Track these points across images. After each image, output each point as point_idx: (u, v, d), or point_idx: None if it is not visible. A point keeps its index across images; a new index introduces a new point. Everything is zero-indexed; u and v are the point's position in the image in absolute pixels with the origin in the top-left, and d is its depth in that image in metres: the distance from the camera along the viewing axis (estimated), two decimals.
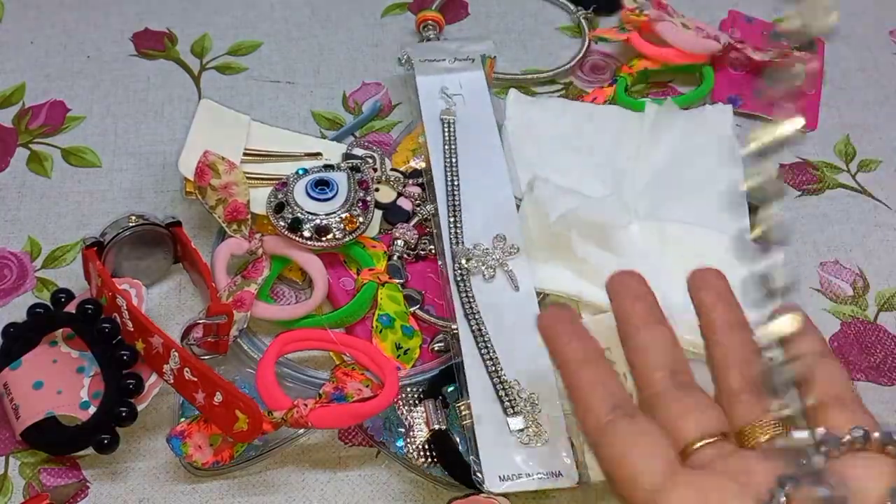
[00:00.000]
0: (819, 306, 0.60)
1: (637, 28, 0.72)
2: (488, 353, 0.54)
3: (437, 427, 0.51)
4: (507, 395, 0.52)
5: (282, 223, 0.57)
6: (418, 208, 0.62)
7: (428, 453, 0.51)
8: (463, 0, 0.78)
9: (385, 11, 0.77)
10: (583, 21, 0.76)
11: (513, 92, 0.69)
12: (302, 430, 0.52)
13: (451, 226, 0.59)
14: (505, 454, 0.50)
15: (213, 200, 0.58)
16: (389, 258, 0.59)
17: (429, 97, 0.66)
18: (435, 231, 0.60)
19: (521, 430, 0.51)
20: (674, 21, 0.71)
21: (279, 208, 0.58)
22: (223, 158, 0.58)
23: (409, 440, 0.52)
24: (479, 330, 0.55)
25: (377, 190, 0.62)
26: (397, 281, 0.58)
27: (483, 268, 0.57)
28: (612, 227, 0.58)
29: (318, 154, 0.63)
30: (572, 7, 0.77)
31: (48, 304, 0.56)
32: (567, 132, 0.66)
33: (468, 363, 0.53)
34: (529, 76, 0.72)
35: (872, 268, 0.63)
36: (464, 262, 0.57)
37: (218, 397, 0.49)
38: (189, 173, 0.59)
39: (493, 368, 0.53)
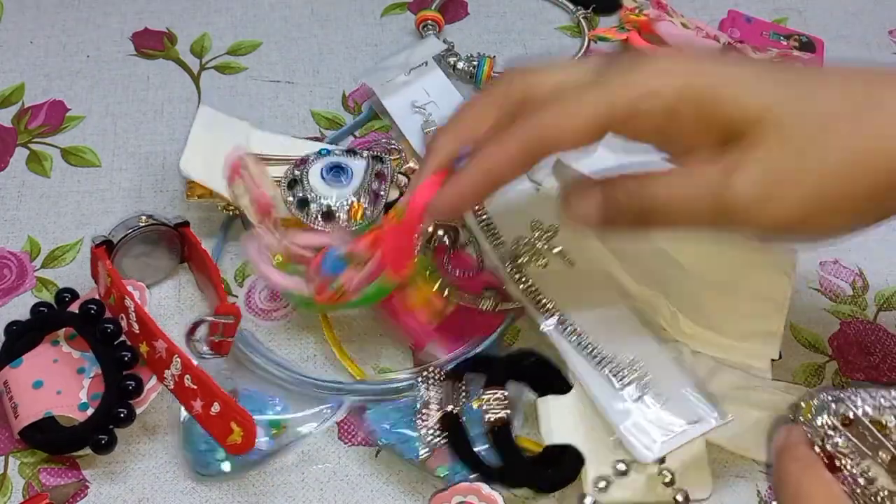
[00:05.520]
0: (819, 306, 0.60)
1: (636, 28, 0.72)
2: (580, 340, 0.54)
3: (450, 409, 0.52)
4: (612, 370, 0.53)
5: (290, 199, 0.57)
6: None
7: (438, 433, 0.51)
8: (463, 0, 0.78)
9: (385, 11, 0.77)
10: (582, 21, 0.76)
11: None
12: (302, 438, 0.53)
13: (486, 230, 0.59)
14: (637, 424, 0.51)
15: (243, 196, 0.57)
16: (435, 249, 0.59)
17: (403, 116, 0.66)
18: (471, 239, 0.61)
19: (641, 398, 0.52)
20: (673, 21, 0.71)
21: (292, 185, 0.58)
22: (252, 155, 0.58)
23: (421, 416, 0.52)
24: (564, 321, 0.55)
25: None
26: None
27: (534, 259, 0.57)
28: None
29: None
30: (572, 7, 0.77)
31: (52, 302, 0.56)
32: None
33: (568, 357, 0.54)
34: None
35: (872, 267, 0.63)
36: (515, 261, 0.57)
37: (215, 407, 0.49)
38: (192, 173, 0.59)
39: (591, 351, 0.54)
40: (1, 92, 0.70)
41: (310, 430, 0.53)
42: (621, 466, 0.51)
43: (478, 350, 0.56)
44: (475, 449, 0.51)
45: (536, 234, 0.58)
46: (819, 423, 0.43)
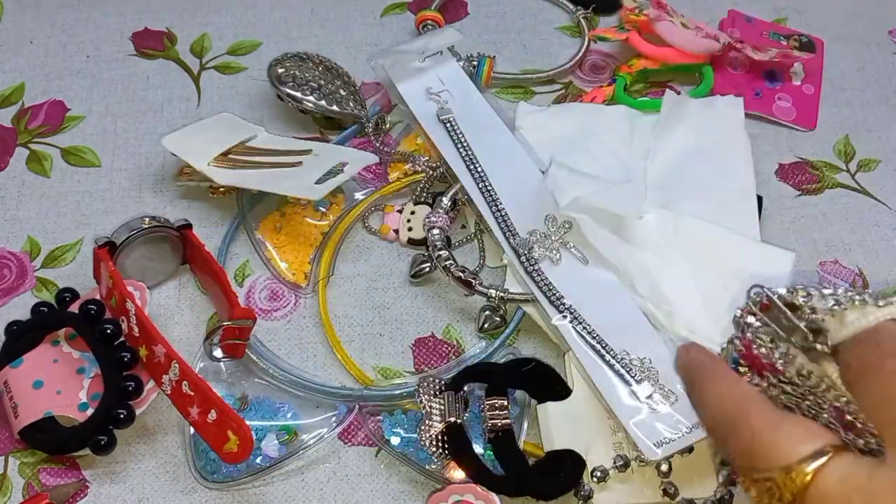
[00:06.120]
0: None
1: (636, 27, 0.72)
2: (591, 336, 0.55)
3: (452, 420, 0.52)
4: (623, 367, 0.53)
5: None
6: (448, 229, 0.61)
7: (440, 444, 0.51)
8: (463, 0, 0.78)
9: (385, 11, 0.77)
10: (582, 21, 0.76)
11: (523, 104, 0.69)
12: (312, 444, 0.53)
13: (501, 222, 0.59)
14: (647, 422, 0.51)
15: None
16: (431, 247, 0.59)
17: (418, 102, 0.66)
18: (478, 228, 0.61)
19: (650, 396, 0.52)
20: (673, 20, 0.71)
21: None
22: None
23: (423, 428, 0.52)
24: (576, 317, 0.55)
25: (410, 229, 0.62)
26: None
27: (548, 252, 0.58)
28: (623, 216, 0.58)
29: (309, 151, 0.63)
30: (572, 7, 0.77)
31: (52, 302, 0.56)
32: (577, 134, 0.66)
33: (577, 351, 0.54)
34: (529, 76, 0.72)
35: (872, 267, 0.63)
36: (529, 252, 0.58)
37: (212, 415, 0.49)
38: (174, 148, 0.61)
39: (602, 347, 0.54)
40: (1, 92, 0.70)
41: (320, 436, 0.53)
42: (620, 461, 0.51)
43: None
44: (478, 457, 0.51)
45: (551, 229, 0.58)
46: (738, 313, 0.43)
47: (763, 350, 0.42)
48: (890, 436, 0.34)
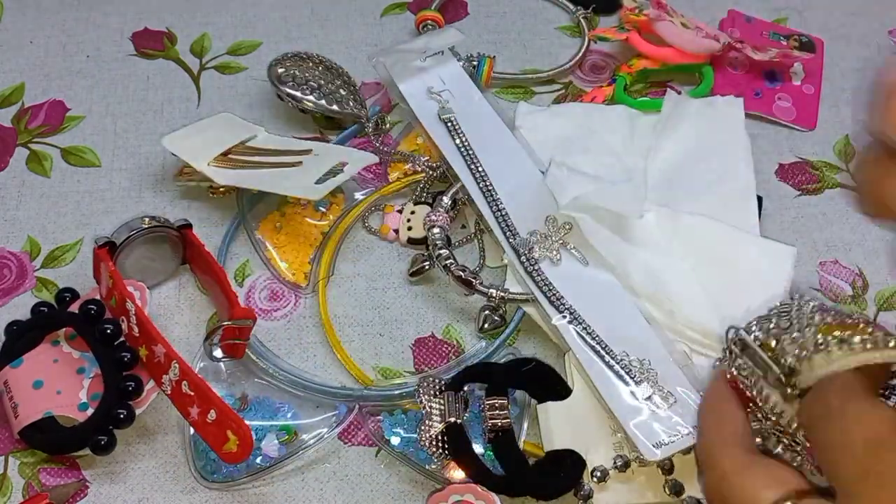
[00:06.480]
0: None
1: (636, 27, 0.72)
2: (591, 336, 0.54)
3: (452, 420, 0.51)
4: (623, 368, 0.53)
5: None
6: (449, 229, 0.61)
7: (440, 444, 0.51)
8: (463, 0, 0.78)
9: (385, 11, 0.77)
10: (582, 21, 0.76)
11: (523, 104, 0.69)
12: (312, 444, 0.53)
13: (501, 221, 0.59)
14: (646, 423, 0.51)
15: None
16: (432, 246, 0.59)
17: (419, 101, 0.66)
18: (478, 228, 0.61)
19: (650, 398, 0.52)
20: (673, 20, 0.71)
21: None
22: None
23: (423, 428, 0.52)
24: (576, 318, 0.55)
25: (410, 228, 0.62)
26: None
27: (548, 253, 0.58)
28: (624, 215, 0.58)
29: (309, 150, 0.63)
30: (572, 7, 0.77)
31: (52, 302, 0.56)
32: (577, 134, 0.66)
33: (577, 351, 0.54)
34: (529, 76, 0.72)
35: (872, 267, 0.63)
36: (529, 252, 0.58)
37: (212, 415, 0.49)
38: (173, 148, 0.61)
39: (602, 348, 0.54)
40: (1, 92, 0.70)
41: (320, 436, 0.53)
42: (620, 461, 0.51)
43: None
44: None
45: (552, 230, 0.58)
46: (724, 347, 0.45)
47: (746, 385, 0.43)
48: (838, 488, 0.36)
